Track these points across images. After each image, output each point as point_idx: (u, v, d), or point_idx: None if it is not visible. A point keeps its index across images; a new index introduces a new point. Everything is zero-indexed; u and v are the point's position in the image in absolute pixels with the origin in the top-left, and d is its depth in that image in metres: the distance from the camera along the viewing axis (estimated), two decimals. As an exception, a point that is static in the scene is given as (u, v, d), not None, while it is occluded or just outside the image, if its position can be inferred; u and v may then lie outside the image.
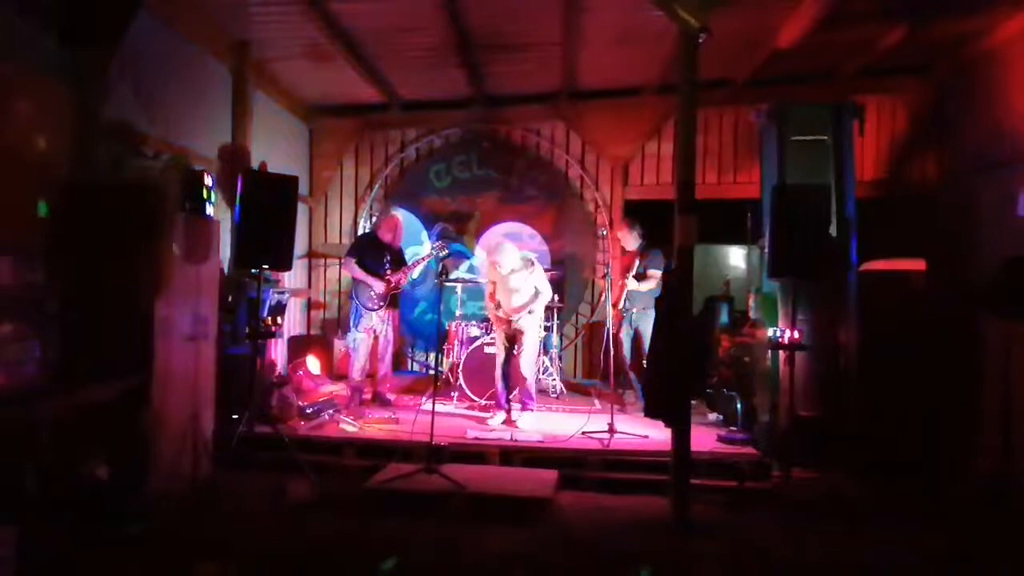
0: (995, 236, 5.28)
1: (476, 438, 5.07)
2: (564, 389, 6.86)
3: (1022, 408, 4.38)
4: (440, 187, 7.97)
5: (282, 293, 6.16)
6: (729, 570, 3.49)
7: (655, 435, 5.01)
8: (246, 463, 4.52)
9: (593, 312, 7.72)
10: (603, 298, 7.18)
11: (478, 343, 6.30)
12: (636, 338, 6.17)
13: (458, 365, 6.35)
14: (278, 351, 6.92)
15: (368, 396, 6.31)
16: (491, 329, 6.16)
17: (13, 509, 3.16)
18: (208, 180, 4.45)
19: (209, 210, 4.46)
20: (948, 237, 5.89)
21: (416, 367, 8.01)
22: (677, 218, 4.08)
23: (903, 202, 6.63)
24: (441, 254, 5.92)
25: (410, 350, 8.07)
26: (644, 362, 5.59)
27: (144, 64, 4.91)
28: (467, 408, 6.17)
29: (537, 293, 5.57)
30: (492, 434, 5.18)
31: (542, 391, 6.55)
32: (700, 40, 3.96)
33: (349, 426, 5.36)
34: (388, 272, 6.10)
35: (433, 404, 4.66)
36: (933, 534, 3.91)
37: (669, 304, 4.19)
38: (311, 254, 8.08)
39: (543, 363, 6.75)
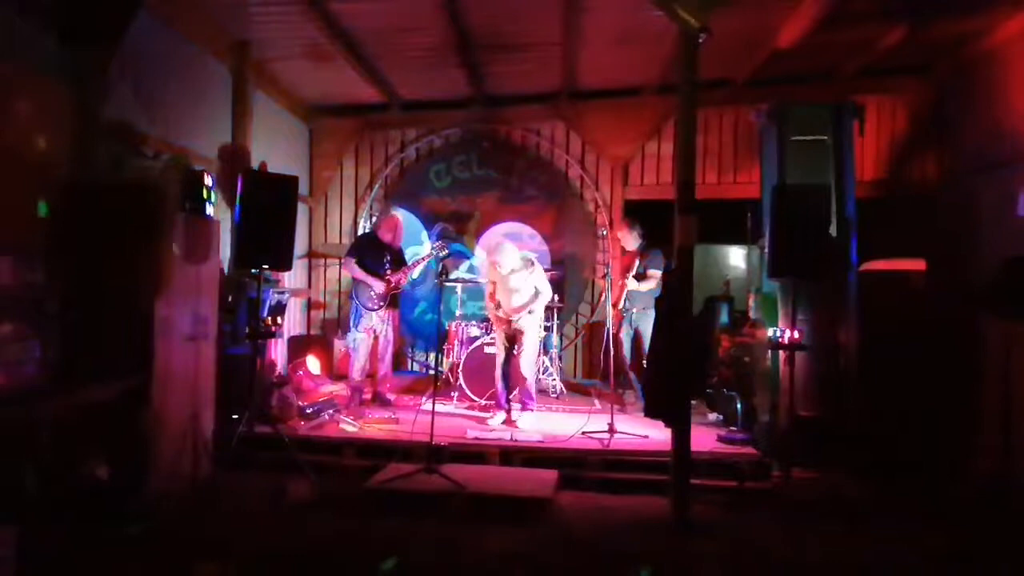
0: (995, 236, 5.28)
1: (476, 438, 5.07)
2: (564, 389, 6.85)
3: (1022, 408, 4.38)
4: (440, 187, 7.96)
5: (282, 293, 6.16)
6: (729, 570, 3.49)
7: (655, 435, 5.01)
8: (246, 463, 4.52)
9: (593, 312, 7.72)
10: (603, 298, 7.18)
11: (478, 343, 6.29)
12: (636, 338, 6.17)
13: (458, 365, 6.35)
14: (278, 351, 6.92)
15: (368, 396, 6.31)
16: (491, 329, 6.15)
17: (13, 509, 3.16)
18: (208, 180, 4.46)
19: (209, 210, 4.46)
20: (948, 237, 5.89)
21: (416, 367, 8.01)
22: (677, 218, 4.08)
23: (903, 202, 6.62)
24: (441, 254, 5.92)
25: (410, 350, 8.07)
26: (644, 362, 5.59)
27: (144, 64, 4.91)
28: (467, 408, 6.17)
29: (537, 293, 5.57)
30: (492, 434, 5.18)
31: (542, 391, 6.55)
32: (700, 40, 3.96)
33: (349, 426, 5.36)
34: (388, 272, 6.10)
35: (433, 404, 4.66)
36: (933, 534, 3.91)
37: (669, 304, 4.19)
38: (311, 254, 8.08)
39: (543, 363, 6.75)
